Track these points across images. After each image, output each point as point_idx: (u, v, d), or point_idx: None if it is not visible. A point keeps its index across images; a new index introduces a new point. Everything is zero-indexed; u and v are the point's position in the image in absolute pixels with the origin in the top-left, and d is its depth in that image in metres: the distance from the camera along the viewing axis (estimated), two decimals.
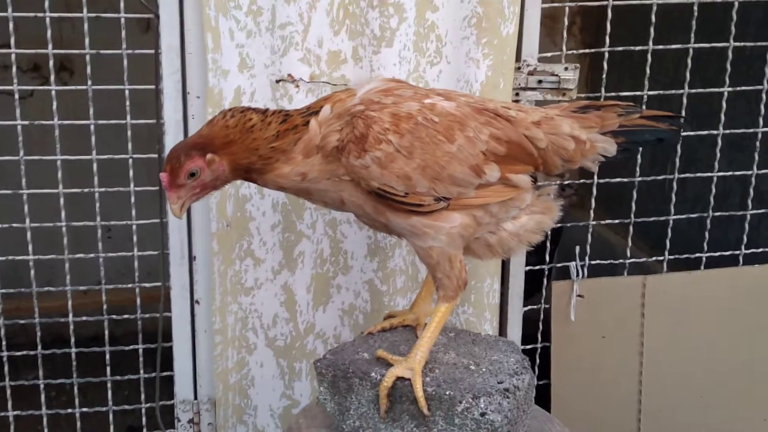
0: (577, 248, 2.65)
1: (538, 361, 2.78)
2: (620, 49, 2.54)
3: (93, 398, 2.67)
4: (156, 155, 2.41)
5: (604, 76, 2.56)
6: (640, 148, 2.13)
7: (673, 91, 2.64)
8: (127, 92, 2.36)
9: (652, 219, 2.74)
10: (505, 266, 2.62)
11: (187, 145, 1.78)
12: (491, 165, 1.77)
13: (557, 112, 1.90)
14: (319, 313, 2.55)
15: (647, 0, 2.51)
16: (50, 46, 2.29)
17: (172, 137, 2.37)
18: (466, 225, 1.78)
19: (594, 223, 2.70)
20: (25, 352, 2.51)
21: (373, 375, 1.80)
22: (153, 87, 2.36)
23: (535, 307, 2.73)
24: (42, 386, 2.53)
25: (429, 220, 1.75)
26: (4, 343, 2.47)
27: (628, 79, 2.97)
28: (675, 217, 2.72)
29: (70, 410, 2.56)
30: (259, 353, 2.55)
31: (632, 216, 2.70)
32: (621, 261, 2.75)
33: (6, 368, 2.51)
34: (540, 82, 2.49)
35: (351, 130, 1.72)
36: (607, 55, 2.55)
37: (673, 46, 2.59)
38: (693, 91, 2.62)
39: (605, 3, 2.49)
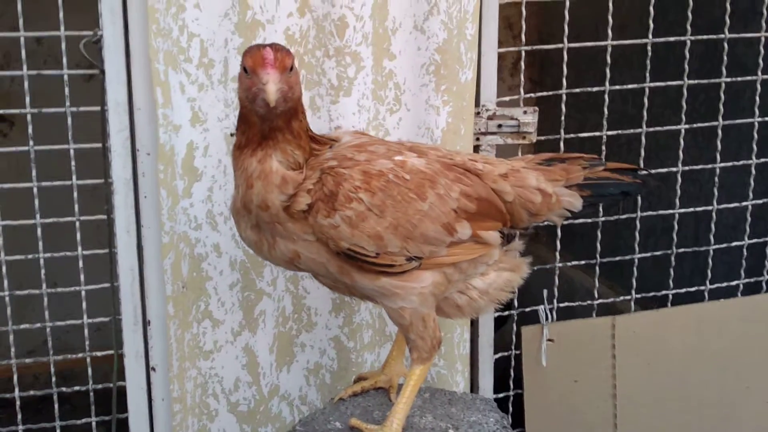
0: (545, 292, 2.60)
1: (511, 409, 2.71)
2: (577, 90, 2.53)
3: None
4: (105, 216, 2.28)
5: (563, 118, 2.55)
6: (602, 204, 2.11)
7: (631, 131, 2.64)
8: (72, 152, 2.24)
9: (617, 258, 2.72)
10: None
11: None
12: (462, 222, 1.72)
13: (523, 165, 1.86)
14: (284, 374, 2.44)
15: (602, 42, 2.51)
16: None
17: (121, 197, 2.26)
18: (438, 283, 1.71)
19: (560, 265, 2.66)
20: None
21: None
22: (100, 145, 2.24)
23: (505, 353, 2.67)
24: None
25: (399, 281, 1.67)
26: None
27: (575, 113, 2.94)
28: (639, 255, 2.71)
29: None
30: (221, 420, 2.42)
31: (598, 256, 2.68)
32: (589, 303, 2.71)
33: None
34: (500, 126, 2.46)
35: (320, 187, 1.63)
36: (565, 97, 2.54)
37: (629, 86, 2.60)
38: (651, 129, 2.63)
39: (560, 46, 2.49)
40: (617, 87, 2.55)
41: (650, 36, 2.53)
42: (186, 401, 2.36)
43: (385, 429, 1.69)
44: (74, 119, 2.26)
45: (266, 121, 1.61)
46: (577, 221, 2.58)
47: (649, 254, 2.71)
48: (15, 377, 2.32)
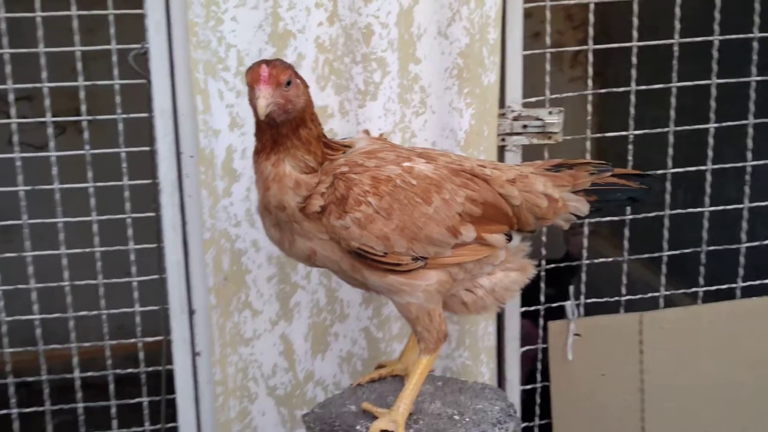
0: (571, 288, 2.67)
1: (539, 400, 2.79)
2: (603, 91, 2.59)
3: None
4: (153, 213, 2.49)
5: (588, 118, 2.61)
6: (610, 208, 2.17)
7: (659, 130, 2.67)
8: (123, 155, 2.46)
9: (645, 256, 2.76)
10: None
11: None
12: (467, 225, 1.82)
13: (531, 170, 1.96)
14: (318, 361, 2.59)
15: (626, 43, 2.55)
16: (49, 114, 2.40)
17: (168, 197, 2.45)
18: (443, 281, 1.83)
19: (587, 262, 2.72)
20: (33, 409, 2.59)
21: (359, 428, 1.84)
22: (148, 149, 2.45)
23: (532, 347, 2.76)
24: None
25: (405, 278, 1.80)
26: (13, 400, 2.56)
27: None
28: (668, 253, 2.74)
29: None
30: (261, 402, 2.59)
31: (626, 253, 2.72)
32: (616, 298, 2.76)
33: (17, 424, 2.58)
34: (525, 126, 2.54)
35: (332, 191, 1.77)
36: (590, 97, 2.60)
37: (655, 86, 2.62)
38: (679, 128, 2.65)
39: (585, 48, 2.55)
40: (643, 87, 2.59)
41: (677, 36, 2.55)
42: (228, 384, 2.55)
43: (392, 413, 1.82)
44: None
45: (273, 129, 1.76)
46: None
47: (678, 252, 2.74)
48: (75, 359, 2.56)
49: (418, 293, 1.80)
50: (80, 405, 2.59)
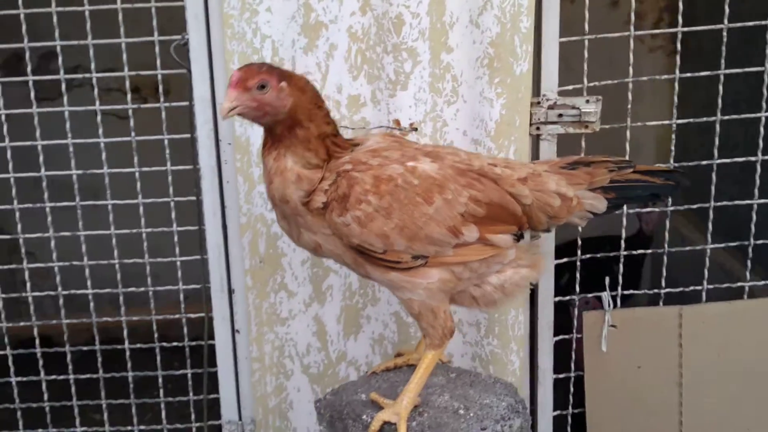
0: (607, 279, 2.63)
1: (572, 389, 2.78)
2: (645, 78, 2.51)
3: (146, 418, 2.93)
4: (194, 197, 2.61)
5: (629, 106, 2.53)
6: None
7: (704, 119, 2.57)
8: (165, 141, 2.57)
9: (686, 248, 2.68)
10: (534, 297, 2.65)
11: (272, 66, 1.83)
12: (470, 226, 1.83)
13: (545, 168, 1.93)
14: (351, 342, 2.67)
15: (670, 29, 2.45)
16: (98, 102, 2.54)
17: (208, 182, 2.56)
18: (445, 280, 1.85)
19: (625, 253, 2.67)
20: (88, 375, 2.79)
21: (365, 417, 1.90)
22: (189, 136, 2.55)
23: (566, 336, 2.74)
24: (104, 406, 2.81)
25: (406, 276, 1.83)
26: (70, 367, 2.77)
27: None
28: (711, 246, 2.65)
29: (129, 428, 2.82)
30: (296, 379, 2.71)
31: (665, 244, 2.65)
32: (654, 291, 2.70)
33: (73, 389, 2.80)
34: (560, 115, 2.49)
35: (335, 189, 1.82)
36: (631, 85, 2.52)
37: (700, 74, 2.51)
38: (726, 117, 2.53)
39: (626, 34, 2.46)
40: (688, 75, 2.48)
41: (725, 22, 2.43)
42: (264, 361, 2.67)
43: (396, 405, 1.88)
44: None
45: (267, 129, 1.83)
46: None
47: (722, 245, 2.65)
48: (125, 332, 2.74)
49: (419, 290, 1.84)
50: (130, 374, 2.77)
